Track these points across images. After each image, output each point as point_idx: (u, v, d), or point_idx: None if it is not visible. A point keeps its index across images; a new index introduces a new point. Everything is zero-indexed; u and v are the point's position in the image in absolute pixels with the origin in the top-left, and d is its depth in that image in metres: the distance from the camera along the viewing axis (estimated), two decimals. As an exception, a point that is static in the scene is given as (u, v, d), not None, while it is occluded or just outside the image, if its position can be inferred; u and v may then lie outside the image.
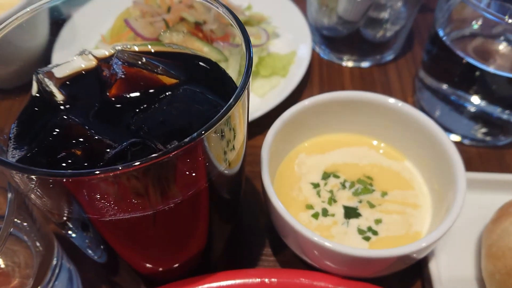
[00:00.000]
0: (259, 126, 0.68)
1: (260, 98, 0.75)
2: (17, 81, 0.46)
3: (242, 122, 0.40)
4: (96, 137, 0.38)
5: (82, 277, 0.55)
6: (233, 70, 0.82)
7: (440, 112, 0.72)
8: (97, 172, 0.29)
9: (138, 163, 0.30)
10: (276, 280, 0.48)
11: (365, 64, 0.86)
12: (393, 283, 0.54)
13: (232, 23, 0.41)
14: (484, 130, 0.70)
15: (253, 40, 0.79)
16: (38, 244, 0.48)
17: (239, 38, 0.40)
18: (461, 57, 0.64)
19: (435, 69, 0.71)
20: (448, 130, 0.72)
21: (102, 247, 0.45)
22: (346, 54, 0.85)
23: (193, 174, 0.37)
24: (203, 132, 0.32)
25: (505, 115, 0.66)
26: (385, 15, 0.77)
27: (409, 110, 0.56)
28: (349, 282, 0.49)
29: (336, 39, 0.84)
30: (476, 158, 0.70)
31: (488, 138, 0.71)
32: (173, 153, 0.31)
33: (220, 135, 0.36)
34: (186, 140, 0.31)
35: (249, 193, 0.63)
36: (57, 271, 0.48)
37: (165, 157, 0.30)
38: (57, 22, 0.52)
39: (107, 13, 0.74)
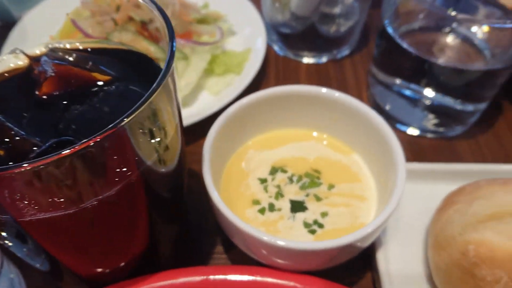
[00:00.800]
0: (212, 125, 0.67)
1: (214, 96, 0.74)
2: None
3: (170, 112, 0.39)
4: (19, 137, 0.37)
5: (30, 285, 0.53)
6: (193, 69, 0.80)
7: (393, 106, 0.73)
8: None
9: (45, 158, 0.29)
10: (221, 277, 0.47)
11: (321, 60, 0.86)
12: (343, 275, 0.54)
13: (153, 12, 0.41)
14: (436, 121, 0.70)
15: (207, 38, 0.79)
16: (-27, 252, 0.46)
17: (161, 26, 0.39)
18: (409, 51, 0.64)
19: (385, 64, 0.71)
20: (403, 123, 0.73)
21: (40, 254, 0.43)
22: (303, 51, 0.85)
23: (118, 169, 0.36)
24: (124, 119, 0.31)
25: (457, 106, 0.67)
26: (337, 10, 0.77)
27: (352, 101, 0.56)
28: (296, 276, 0.48)
29: (291, 35, 0.84)
30: (430, 150, 0.71)
31: (441, 129, 0.72)
32: (83, 147, 0.30)
33: (145, 125, 0.35)
34: (103, 130, 0.30)
35: (198, 192, 0.62)
36: (-7, 281, 0.47)
37: (73, 151, 0.29)
38: (6, 25, 0.51)
39: (59, 14, 0.72)
